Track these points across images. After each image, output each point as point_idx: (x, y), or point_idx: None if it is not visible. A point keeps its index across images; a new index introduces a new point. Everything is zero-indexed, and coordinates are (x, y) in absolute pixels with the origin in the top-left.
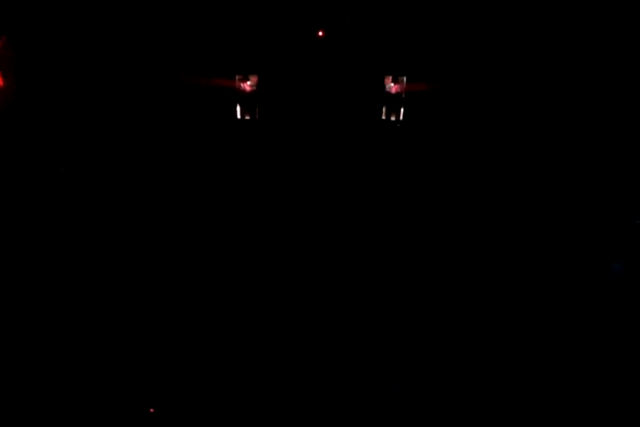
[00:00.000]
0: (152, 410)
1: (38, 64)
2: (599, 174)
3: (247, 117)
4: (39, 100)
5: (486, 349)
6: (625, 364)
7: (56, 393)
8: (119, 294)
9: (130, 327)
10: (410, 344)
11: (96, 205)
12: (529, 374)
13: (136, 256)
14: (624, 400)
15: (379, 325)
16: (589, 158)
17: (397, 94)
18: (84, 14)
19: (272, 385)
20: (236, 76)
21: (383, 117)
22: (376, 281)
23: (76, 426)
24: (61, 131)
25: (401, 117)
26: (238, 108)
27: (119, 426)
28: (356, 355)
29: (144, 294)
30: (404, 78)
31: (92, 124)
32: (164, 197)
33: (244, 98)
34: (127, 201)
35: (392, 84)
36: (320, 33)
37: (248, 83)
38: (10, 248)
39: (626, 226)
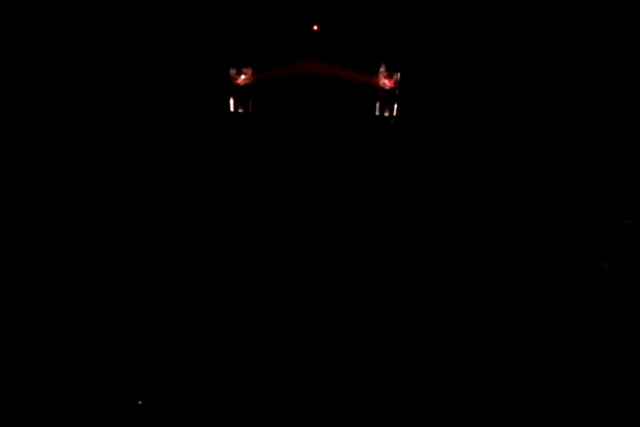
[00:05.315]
0: (140, 402)
1: None
2: (590, 174)
3: (240, 110)
4: None
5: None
6: (616, 361)
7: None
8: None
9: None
10: None
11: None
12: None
13: (132, 255)
14: (619, 396)
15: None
16: (581, 158)
17: (391, 90)
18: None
19: None
20: (230, 69)
21: (377, 113)
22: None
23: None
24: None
25: (394, 113)
26: (231, 101)
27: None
28: None
29: (142, 292)
30: (399, 74)
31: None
32: (156, 193)
33: (237, 91)
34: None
35: (386, 80)
36: (315, 27)
37: (242, 76)
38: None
39: (615, 226)
